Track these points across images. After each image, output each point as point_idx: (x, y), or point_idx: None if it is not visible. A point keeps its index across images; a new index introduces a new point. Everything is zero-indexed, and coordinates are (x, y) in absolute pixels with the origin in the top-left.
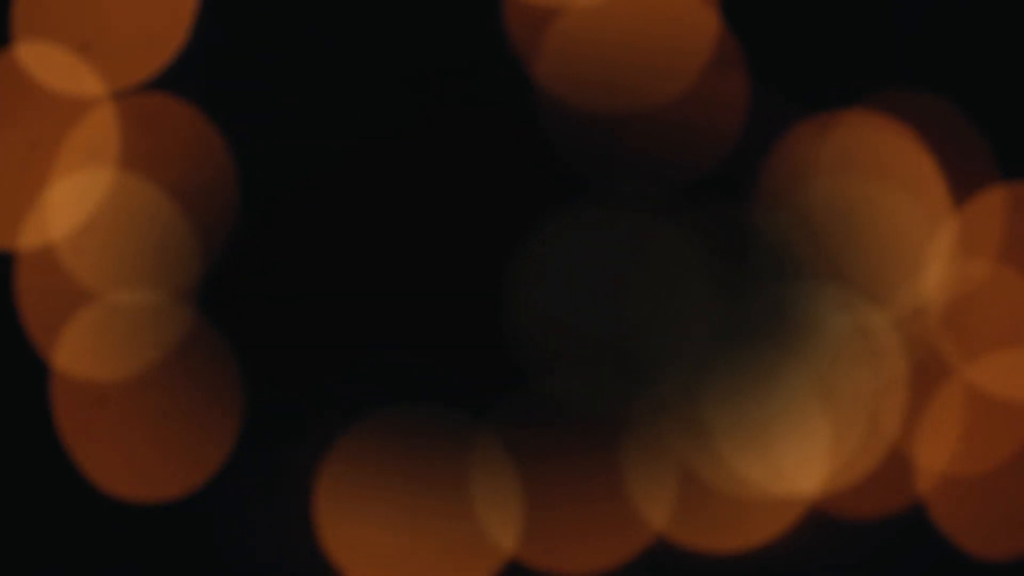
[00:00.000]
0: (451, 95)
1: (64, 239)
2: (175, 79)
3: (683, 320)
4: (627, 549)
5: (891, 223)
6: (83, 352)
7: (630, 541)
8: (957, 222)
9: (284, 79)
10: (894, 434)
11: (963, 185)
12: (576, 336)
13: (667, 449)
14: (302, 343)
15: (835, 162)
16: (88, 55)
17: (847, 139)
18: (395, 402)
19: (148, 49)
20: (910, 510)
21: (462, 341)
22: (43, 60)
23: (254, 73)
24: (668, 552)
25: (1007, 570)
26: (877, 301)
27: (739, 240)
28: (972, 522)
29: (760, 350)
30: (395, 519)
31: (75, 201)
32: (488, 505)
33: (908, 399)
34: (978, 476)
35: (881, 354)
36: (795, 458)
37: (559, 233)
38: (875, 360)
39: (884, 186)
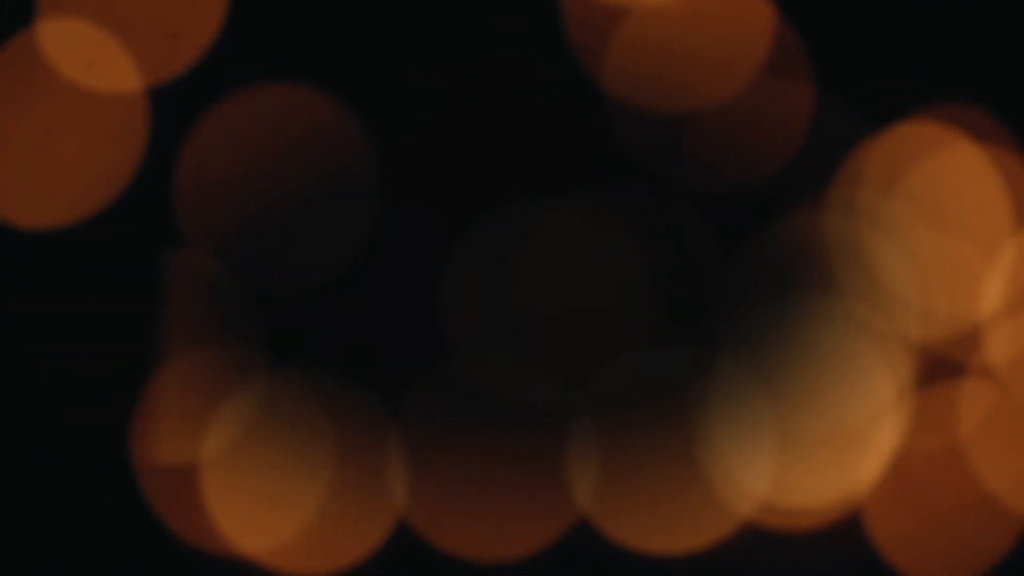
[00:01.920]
0: (507, 93)
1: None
2: (203, 71)
3: (641, 317)
4: (543, 536)
5: (948, 239)
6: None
7: (546, 529)
8: (1016, 242)
9: (326, 76)
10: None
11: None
12: (517, 327)
13: (594, 441)
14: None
15: (895, 172)
16: (122, 44)
17: (910, 150)
18: (319, 370)
19: (176, 42)
20: (849, 525)
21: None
22: (65, 43)
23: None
24: (595, 547)
25: None
26: (918, 315)
27: (774, 245)
28: (912, 543)
29: (755, 356)
30: (296, 486)
31: (92, 186)
32: (394, 476)
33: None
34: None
35: (890, 366)
36: (743, 463)
37: (549, 226)
38: (881, 372)
39: (945, 200)
